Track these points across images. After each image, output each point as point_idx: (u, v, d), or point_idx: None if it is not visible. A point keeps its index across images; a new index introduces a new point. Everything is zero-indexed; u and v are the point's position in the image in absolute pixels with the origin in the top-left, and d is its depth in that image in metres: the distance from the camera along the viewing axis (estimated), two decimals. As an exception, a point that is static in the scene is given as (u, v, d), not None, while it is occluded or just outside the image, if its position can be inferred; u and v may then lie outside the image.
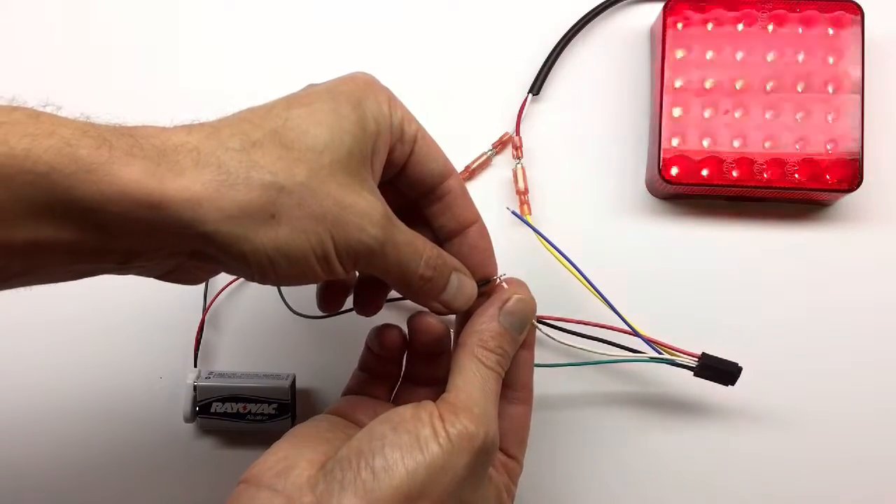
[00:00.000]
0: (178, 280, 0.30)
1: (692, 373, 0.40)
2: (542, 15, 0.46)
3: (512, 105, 0.45)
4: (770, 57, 0.43)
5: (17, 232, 0.23)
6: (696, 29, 0.43)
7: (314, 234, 0.27)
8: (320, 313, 0.38)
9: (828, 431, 0.44)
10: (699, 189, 0.43)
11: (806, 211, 0.45)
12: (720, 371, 0.40)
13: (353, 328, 0.40)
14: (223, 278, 0.45)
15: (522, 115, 0.45)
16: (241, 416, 0.43)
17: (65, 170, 0.23)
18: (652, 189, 0.45)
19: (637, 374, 0.44)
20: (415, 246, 0.31)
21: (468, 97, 0.46)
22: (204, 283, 0.44)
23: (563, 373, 0.43)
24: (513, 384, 0.35)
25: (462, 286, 0.33)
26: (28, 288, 0.27)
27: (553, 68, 0.46)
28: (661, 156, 0.43)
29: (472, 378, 0.31)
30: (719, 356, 0.40)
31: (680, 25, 0.43)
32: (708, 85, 0.43)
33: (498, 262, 0.36)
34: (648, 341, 0.40)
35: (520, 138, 0.45)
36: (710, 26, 0.43)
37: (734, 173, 0.43)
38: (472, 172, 0.45)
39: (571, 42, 0.46)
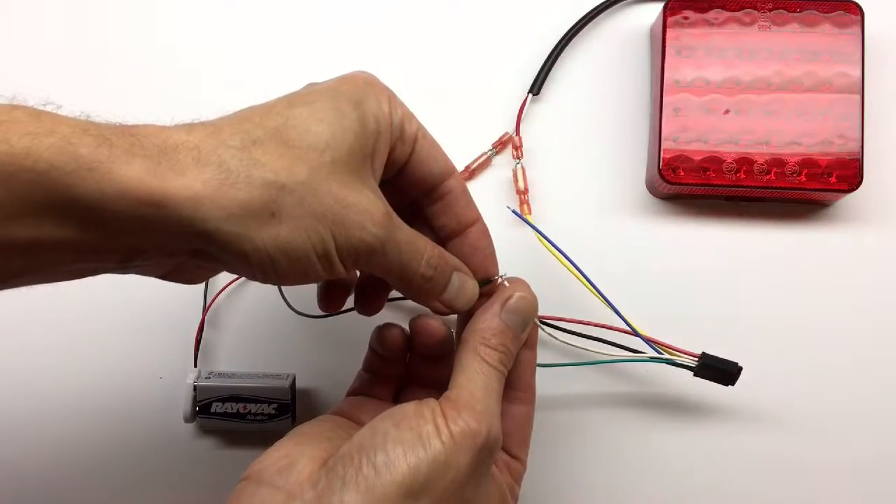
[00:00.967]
0: (179, 279, 0.30)
1: (692, 373, 0.40)
2: (542, 15, 0.46)
3: (512, 105, 0.45)
4: (770, 57, 0.43)
5: (17, 231, 0.23)
6: (696, 29, 0.44)
7: (315, 233, 0.27)
8: (321, 313, 0.38)
9: (827, 431, 0.44)
10: (699, 189, 0.43)
11: (806, 211, 0.45)
12: (720, 371, 0.40)
13: (354, 328, 0.40)
14: (223, 278, 0.45)
15: (522, 115, 0.45)
16: (241, 416, 0.42)
17: (65, 168, 0.23)
18: (652, 189, 0.45)
19: (637, 374, 0.44)
20: (416, 245, 0.31)
21: (468, 97, 0.46)
22: (204, 283, 0.44)
23: (563, 373, 0.43)
24: (515, 384, 0.34)
25: (463, 286, 0.33)
26: (28, 288, 0.26)
27: (553, 68, 0.46)
28: (661, 156, 0.43)
29: (475, 375, 0.31)
30: (719, 356, 0.40)
31: (680, 25, 0.43)
32: (708, 85, 0.43)
33: (498, 261, 0.36)
34: (648, 341, 0.40)
35: (520, 138, 0.45)
36: (710, 26, 0.43)
37: (734, 173, 0.43)
38: (472, 172, 0.45)
39: (571, 42, 0.46)
